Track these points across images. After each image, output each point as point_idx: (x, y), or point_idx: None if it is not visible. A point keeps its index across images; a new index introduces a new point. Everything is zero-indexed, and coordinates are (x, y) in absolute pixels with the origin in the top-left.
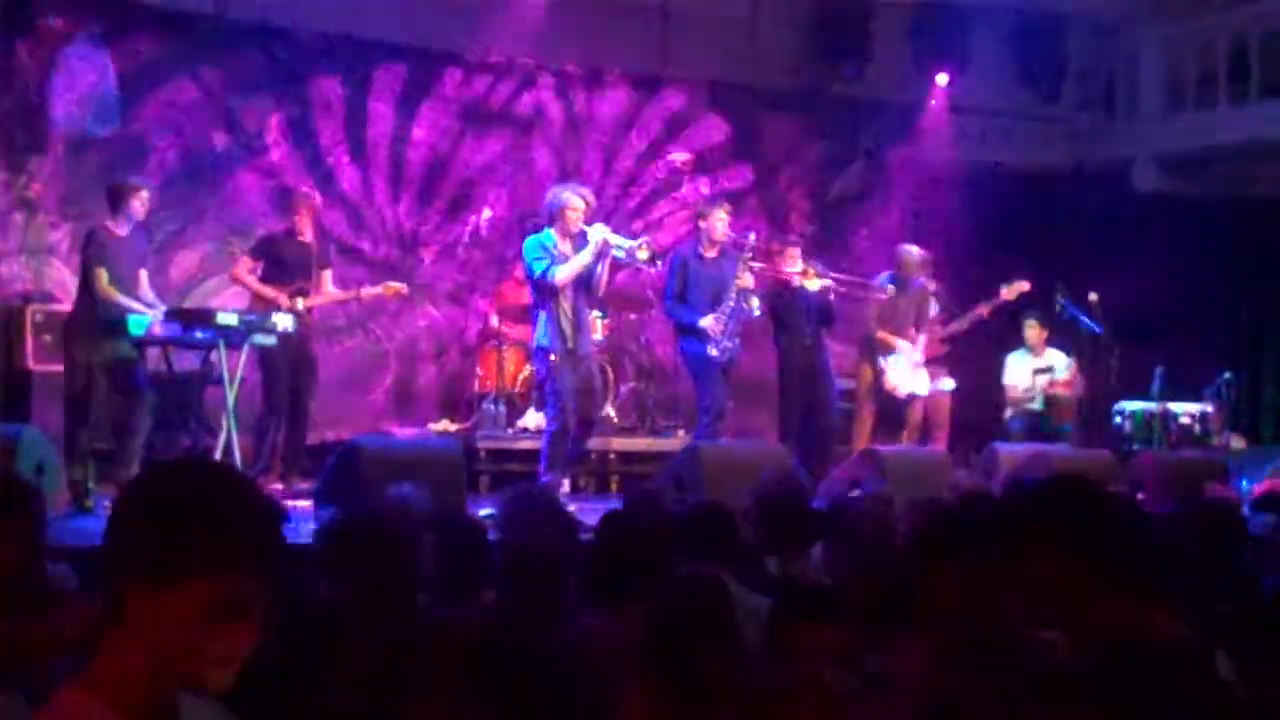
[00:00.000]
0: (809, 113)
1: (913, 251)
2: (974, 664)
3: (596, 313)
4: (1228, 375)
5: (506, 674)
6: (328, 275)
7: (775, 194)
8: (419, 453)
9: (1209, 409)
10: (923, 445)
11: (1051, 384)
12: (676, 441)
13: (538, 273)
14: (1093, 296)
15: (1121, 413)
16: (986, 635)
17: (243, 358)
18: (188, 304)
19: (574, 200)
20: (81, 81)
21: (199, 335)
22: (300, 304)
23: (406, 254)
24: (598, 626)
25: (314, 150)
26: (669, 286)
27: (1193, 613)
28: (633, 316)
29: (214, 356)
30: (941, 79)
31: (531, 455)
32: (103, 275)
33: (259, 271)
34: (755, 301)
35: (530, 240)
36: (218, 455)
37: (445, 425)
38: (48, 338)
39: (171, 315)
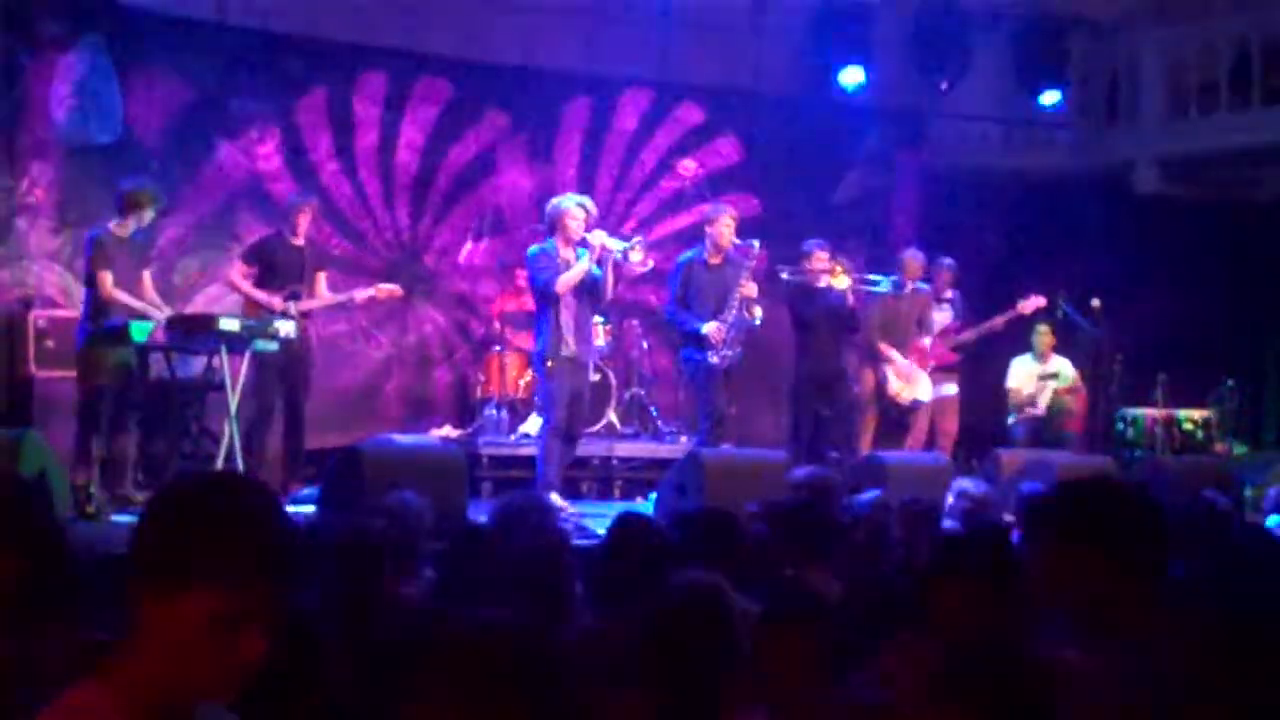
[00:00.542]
0: (810, 118)
1: (916, 256)
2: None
3: (599, 318)
4: (1230, 381)
5: (505, 678)
6: (322, 278)
7: (777, 199)
8: (421, 458)
9: (1211, 415)
10: (927, 451)
11: (1058, 391)
12: (678, 447)
13: (541, 282)
14: (1095, 302)
15: (1124, 419)
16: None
17: (245, 364)
18: (189, 310)
19: (574, 209)
20: (82, 88)
21: (201, 341)
22: (293, 308)
23: (409, 260)
24: (595, 631)
25: (315, 156)
26: (671, 292)
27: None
28: (635, 322)
29: (216, 362)
30: (943, 84)
31: (533, 461)
32: (107, 278)
33: (253, 276)
34: (758, 311)
35: (533, 249)
36: (219, 461)
37: (447, 431)
38: (50, 343)
39: (173, 321)
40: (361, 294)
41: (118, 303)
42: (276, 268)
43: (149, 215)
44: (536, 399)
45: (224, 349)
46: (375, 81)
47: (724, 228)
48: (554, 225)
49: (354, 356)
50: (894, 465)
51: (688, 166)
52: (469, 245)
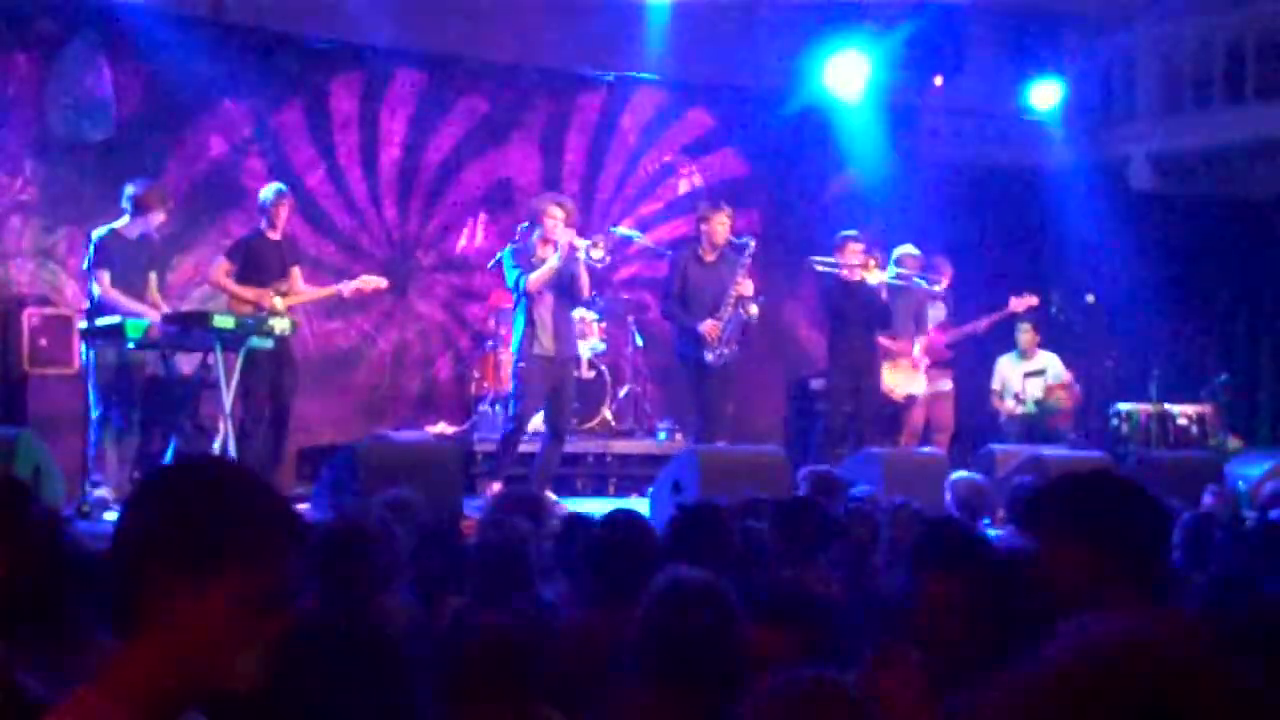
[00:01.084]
0: (806, 115)
1: (911, 253)
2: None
3: (594, 316)
4: (1224, 376)
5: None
6: (297, 272)
7: (772, 197)
8: (416, 455)
9: (1206, 410)
10: (921, 447)
11: (1049, 389)
12: (673, 444)
13: (513, 279)
14: (1089, 298)
15: (1118, 414)
16: (985, 651)
17: (240, 361)
18: (185, 308)
19: (552, 208)
20: (77, 85)
21: (196, 338)
22: (280, 303)
23: (403, 257)
24: (585, 627)
25: (310, 154)
26: (667, 289)
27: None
28: (630, 319)
29: (211, 360)
30: (937, 80)
31: (527, 458)
32: (105, 277)
33: (233, 274)
34: (754, 308)
35: (509, 250)
36: None
37: (442, 428)
38: (44, 341)
39: (169, 319)
40: (348, 286)
41: (113, 302)
42: (258, 264)
43: (159, 217)
44: (511, 391)
45: (219, 346)
46: (373, 80)
47: (718, 225)
48: (534, 224)
49: (349, 354)
50: (889, 461)
51: (685, 165)
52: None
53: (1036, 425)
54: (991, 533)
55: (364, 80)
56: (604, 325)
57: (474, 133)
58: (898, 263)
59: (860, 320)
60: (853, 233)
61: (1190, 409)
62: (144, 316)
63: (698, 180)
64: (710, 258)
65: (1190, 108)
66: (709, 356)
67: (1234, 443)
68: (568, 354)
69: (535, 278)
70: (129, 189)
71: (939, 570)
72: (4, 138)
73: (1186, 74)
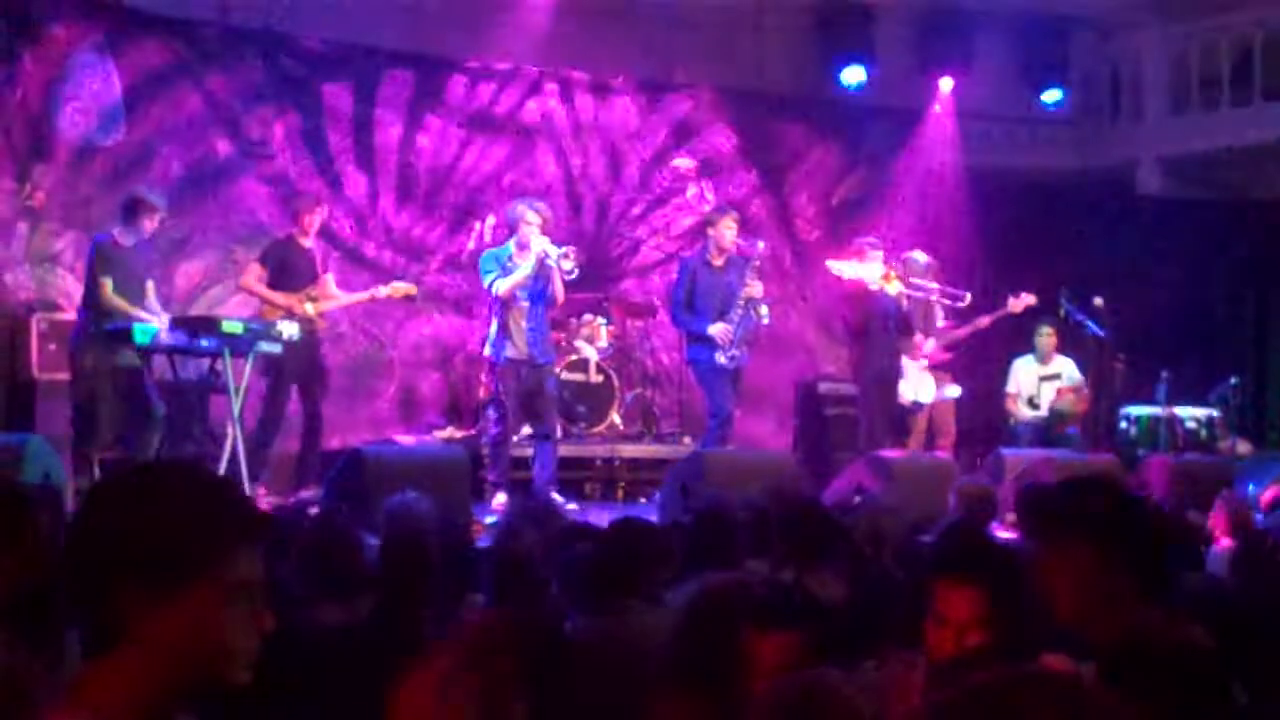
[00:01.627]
0: (813, 117)
1: (918, 258)
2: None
3: (601, 320)
4: (1234, 380)
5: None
6: (330, 279)
7: (780, 199)
8: (424, 460)
9: (1215, 414)
10: (928, 452)
11: (1060, 392)
12: (682, 448)
13: (485, 284)
14: (1097, 301)
15: (1127, 418)
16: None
17: (248, 366)
18: (192, 312)
19: (529, 214)
20: (86, 89)
21: (204, 343)
22: (311, 309)
23: (412, 261)
24: (593, 631)
25: (318, 158)
26: (676, 294)
27: None
28: (638, 323)
29: (219, 365)
30: (945, 83)
31: (527, 461)
32: (107, 284)
33: (264, 280)
34: (764, 310)
35: (486, 253)
36: (223, 463)
37: (450, 433)
38: (53, 346)
39: (177, 323)
40: (381, 292)
41: (117, 309)
42: (290, 270)
43: (148, 227)
44: (492, 398)
45: (227, 351)
46: (378, 82)
47: (725, 229)
48: (511, 229)
49: (356, 359)
50: (898, 466)
51: (690, 167)
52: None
53: (1048, 429)
54: (1002, 535)
55: (369, 83)
56: (611, 328)
57: (481, 135)
58: (911, 269)
59: (882, 328)
60: (873, 240)
61: (1199, 413)
62: (150, 322)
63: (706, 186)
64: (718, 262)
65: (1198, 110)
66: (721, 359)
67: (1243, 446)
68: (541, 358)
69: (505, 283)
70: (129, 196)
71: (954, 574)
72: (12, 142)
73: (1194, 76)
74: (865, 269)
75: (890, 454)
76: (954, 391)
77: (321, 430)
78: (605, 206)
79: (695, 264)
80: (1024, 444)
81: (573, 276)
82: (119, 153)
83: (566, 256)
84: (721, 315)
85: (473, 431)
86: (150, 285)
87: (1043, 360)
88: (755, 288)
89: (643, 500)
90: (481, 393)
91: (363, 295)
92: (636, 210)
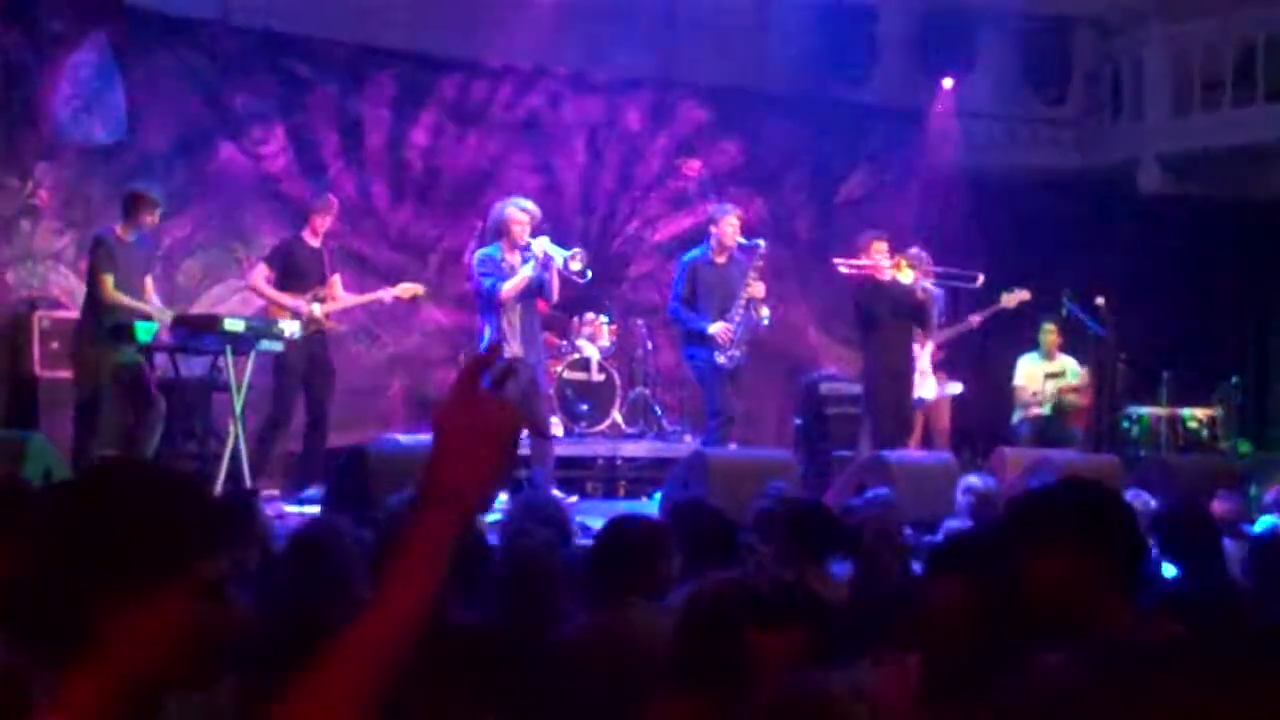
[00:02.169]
0: (814, 117)
1: (920, 256)
2: (970, 686)
3: (603, 318)
4: (1235, 379)
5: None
6: (337, 280)
7: (781, 199)
8: (426, 458)
9: (1216, 413)
10: (925, 449)
11: (1063, 389)
12: (683, 447)
13: (485, 287)
14: (1099, 301)
15: (1129, 417)
16: (985, 655)
17: (250, 364)
18: (194, 310)
19: (518, 214)
20: (87, 88)
21: (206, 341)
22: (318, 310)
23: (413, 259)
24: (590, 630)
25: (318, 156)
26: (677, 291)
27: None
28: (640, 322)
29: (221, 363)
30: (947, 82)
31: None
32: (108, 281)
33: (272, 280)
34: (765, 311)
35: (478, 254)
36: (224, 462)
37: None
38: (55, 344)
39: (179, 322)
40: (389, 293)
41: (120, 305)
42: (298, 270)
43: (148, 222)
44: None
45: (229, 350)
46: (379, 82)
47: (728, 227)
48: (499, 230)
49: (358, 357)
50: (899, 465)
51: (692, 166)
52: (474, 245)
53: (1049, 427)
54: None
55: (372, 82)
56: (613, 327)
57: (479, 133)
58: (915, 264)
59: (893, 320)
60: (877, 232)
61: (1201, 412)
62: (152, 320)
63: (708, 184)
64: (720, 260)
65: (1200, 110)
66: (720, 359)
67: (1245, 446)
68: (536, 359)
69: (510, 287)
70: (129, 191)
71: (953, 574)
72: (14, 141)
73: (1196, 76)
74: (875, 259)
75: (893, 453)
76: (955, 388)
77: (327, 429)
78: (606, 205)
79: (697, 261)
80: (1025, 443)
81: (585, 279)
82: (121, 151)
83: (575, 259)
84: (722, 314)
85: None
86: (149, 281)
87: (1047, 357)
88: (757, 288)
89: (644, 499)
90: None
91: (371, 297)
92: (637, 209)
